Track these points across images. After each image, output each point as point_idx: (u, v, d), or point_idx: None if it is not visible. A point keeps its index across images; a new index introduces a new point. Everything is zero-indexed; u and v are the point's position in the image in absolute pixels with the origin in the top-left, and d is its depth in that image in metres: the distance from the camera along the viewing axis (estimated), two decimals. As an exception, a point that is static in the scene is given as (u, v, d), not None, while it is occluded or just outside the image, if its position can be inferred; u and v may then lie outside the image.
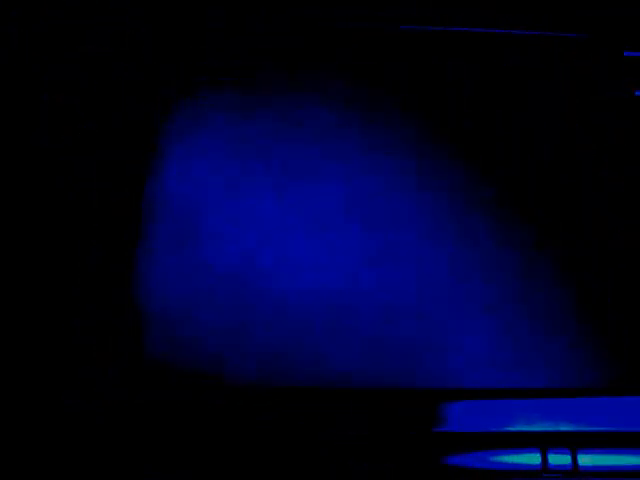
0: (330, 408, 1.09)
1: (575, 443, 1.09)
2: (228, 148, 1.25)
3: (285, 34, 1.33)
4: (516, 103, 1.29)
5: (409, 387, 1.12)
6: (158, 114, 1.27)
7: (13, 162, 1.20)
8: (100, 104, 1.26)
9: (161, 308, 1.14)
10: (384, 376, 1.12)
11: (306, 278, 1.17)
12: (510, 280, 1.19)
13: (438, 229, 1.22)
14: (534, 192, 1.24)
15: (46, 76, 1.25)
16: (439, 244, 1.21)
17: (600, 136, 1.28)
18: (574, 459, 1.08)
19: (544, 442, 1.09)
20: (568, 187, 1.25)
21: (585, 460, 1.08)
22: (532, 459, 1.08)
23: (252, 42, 1.32)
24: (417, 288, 1.18)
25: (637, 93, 1.29)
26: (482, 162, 1.26)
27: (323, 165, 1.25)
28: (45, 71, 1.25)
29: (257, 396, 1.09)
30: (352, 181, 1.25)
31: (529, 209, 1.23)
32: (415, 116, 1.29)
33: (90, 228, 1.18)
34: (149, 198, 1.21)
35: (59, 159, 1.22)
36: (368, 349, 1.14)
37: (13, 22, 1.24)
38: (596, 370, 1.14)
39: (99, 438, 1.05)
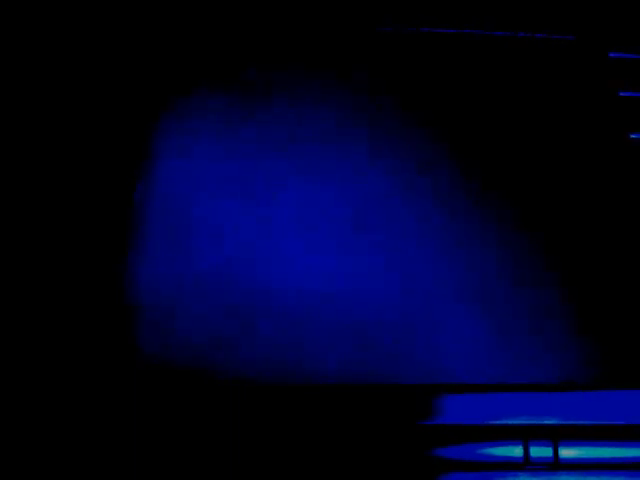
0: (323, 404, 1.11)
1: (557, 436, 1.11)
2: (223, 150, 1.26)
3: (280, 36, 1.34)
4: (505, 103, 1.31)
5: (396, 383, 1.13)
6: (153, 117, 1.27)
7: (12, 163, 1.21)
8: (95, 108, 1.27)
9: (157, 308, 1.16)
10: (373, 373, 1.14)
11: (299, 278, 1.19)
12: (498, 280, 1.20)
13: (429, 229, 1.23)
14: (523, 191, 1.26)
15: (45, 78, 1.26)
16: (428, 247, 1.22)
17: (587, 135, 1.29)
18: (555, 452, 1.10)
19: (526, 435, 1.11)
20: (555, 186, 1.26)
21: (566, 453, 1.10)
22: (514, 451, 1.10)
23: (247, 43, 1.33)
24: (407, 288, 1.19)
25: (621, 94, 1.30)
26: (471, 160, 1.28)
27: (314, 167, 1.26)
28: (44, 73, 1.26)
29: (253, 394, 1.11)
30: (345, 182, 1.26)
31: (518, 209, 1.25)
32: (405, 116, 1.31)
33: (88, 229, 1.19)
34: (144, 200, 1.22)
35: (58, 162, 1.22)
36: (358, 347, 1.15)
37: (13, 22, 1.25)
38: (578, 366, 1.15)
39: (98, 437, 1.06)
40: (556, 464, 1.09)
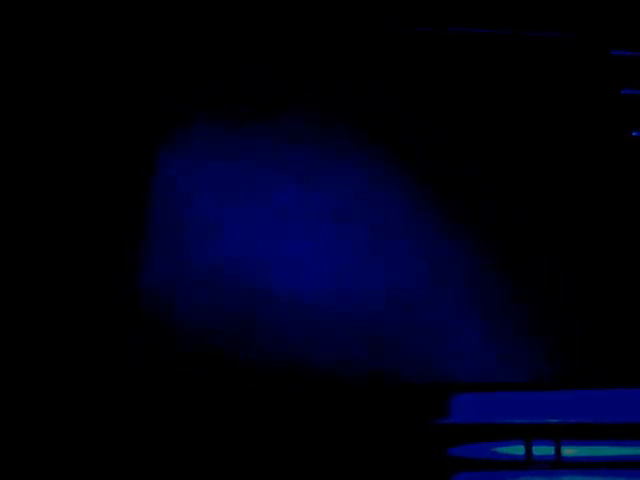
0: (321, 404, 1.11)
1: (559, 435, 1.11)
2: (223, 151, 1.26)
3: (281, 37, 1.33)
4: (505, 101, 1.31)
5: (397, 382, 1.13)
6: (154, 118, 1.27)
7: (13, 163, 1.20)
8: (97, 110, 1.26)
9: (157, 308, 1.15)
10: (373, 373, 1.14)
11: (300, 278, 1.18)
12: (501, 280, 1.21)
13: (427, 231, 1.23)
14: (523, 189, 1.26)
15: (46, 80, 1.25)
16: (428, 246, 1.22)
17: (588, 133, 1.29)
18: (558, 450, 1.10)
19: (528, 433, 1.11)
20: (556, 184, 1.26)
21: (569, 451, 1.10)
22: (516, 450, 1.10)
23: (249, 45, 1.32)
24: (408, 288, 1.19)
25: (623, 91, 1.31)
26: (471, 159, 1.27)
27: (309, 169, 1.26)
28: (45, 75, 1.25)
29: (255, 394, 1.11)
30: (342, 184, 1.25)
31: (518, 208, 1.25)
32: (403, 116, 1.30)
33: (88, 229, 1.18)
34: (144, 201, 1.21)
35: (59, 163, 1.22)
36: (358, 347, 1.15)
37: (13, 25, 1.24)
38: (580, 365, 1.16)
39: (98, 438, 1.06)
40: (558, 462, 1.09)
